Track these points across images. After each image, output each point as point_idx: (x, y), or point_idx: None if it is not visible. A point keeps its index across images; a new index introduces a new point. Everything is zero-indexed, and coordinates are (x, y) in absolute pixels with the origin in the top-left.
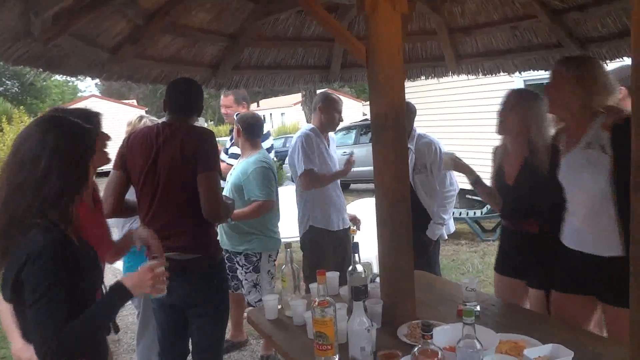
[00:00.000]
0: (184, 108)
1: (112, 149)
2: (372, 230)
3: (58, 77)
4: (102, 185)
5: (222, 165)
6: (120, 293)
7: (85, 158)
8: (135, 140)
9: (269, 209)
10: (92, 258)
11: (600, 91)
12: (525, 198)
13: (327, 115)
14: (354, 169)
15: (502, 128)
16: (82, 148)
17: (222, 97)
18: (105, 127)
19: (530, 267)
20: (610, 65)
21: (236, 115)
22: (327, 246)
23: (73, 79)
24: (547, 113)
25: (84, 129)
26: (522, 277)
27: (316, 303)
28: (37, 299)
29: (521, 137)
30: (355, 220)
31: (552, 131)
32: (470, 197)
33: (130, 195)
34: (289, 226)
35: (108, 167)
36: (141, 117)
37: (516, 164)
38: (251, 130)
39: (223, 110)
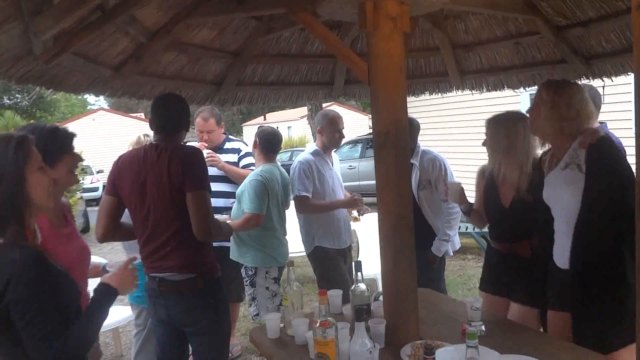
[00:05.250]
0: (170, 126)
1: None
2: (377, 245)
3: None
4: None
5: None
6: (109, 293)
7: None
8: (124, 164)
9: (258, 222)
10: (66, 274)
11: (573, 117)
12: (522, 222)
13: (327, 136)
14: (360, 183)
15: (487, 144)
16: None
17: (197, 119)
18: (111, 141)
19: (521, 287)
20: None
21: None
22: (335, 260)
23: None
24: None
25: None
26: (508, 296)
27: (317, 324)
28: (29, 321)
29: (512, 157)
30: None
31: (538, 152)
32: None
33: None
34: (292, 242)
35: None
36: (146, 135)
37: (512, 186)
38: (267, 145)
39: (205, 137)
